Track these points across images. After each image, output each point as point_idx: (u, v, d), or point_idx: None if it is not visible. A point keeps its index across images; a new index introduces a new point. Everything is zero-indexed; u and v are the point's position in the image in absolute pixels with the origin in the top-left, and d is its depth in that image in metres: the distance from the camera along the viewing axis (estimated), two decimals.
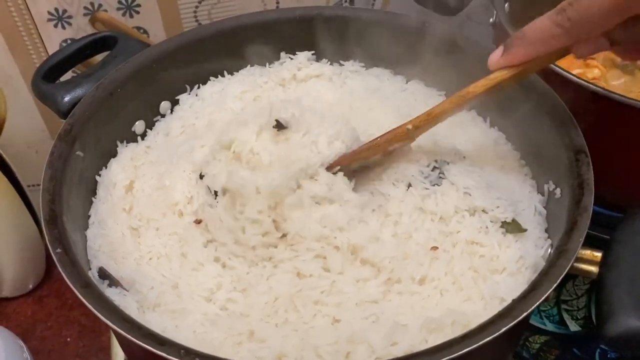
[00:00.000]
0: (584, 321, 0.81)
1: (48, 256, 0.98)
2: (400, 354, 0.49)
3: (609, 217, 0.76)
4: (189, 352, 0.46)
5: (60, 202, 0.60)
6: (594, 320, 0.81)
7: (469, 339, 0.46)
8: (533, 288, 0.50)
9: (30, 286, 0.97)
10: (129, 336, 0.47)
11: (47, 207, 0.58)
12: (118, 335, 0.59)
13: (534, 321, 0.81)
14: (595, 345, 0.79)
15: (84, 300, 0.50)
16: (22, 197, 0.89)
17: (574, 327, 0.81)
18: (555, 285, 0.49)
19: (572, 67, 0.86)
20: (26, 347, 0.83)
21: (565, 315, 0.81)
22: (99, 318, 0.91)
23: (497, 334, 0.46)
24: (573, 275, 0.81)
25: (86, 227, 0.66)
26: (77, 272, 0.53)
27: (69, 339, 0.92)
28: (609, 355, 0.78)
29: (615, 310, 0.50)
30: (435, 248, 0.61)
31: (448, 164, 0.67)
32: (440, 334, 0.54)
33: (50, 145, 1.00)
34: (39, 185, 1.02)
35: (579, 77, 0.70)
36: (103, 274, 0.61)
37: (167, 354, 0.45)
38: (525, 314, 0.47)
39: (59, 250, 0.54)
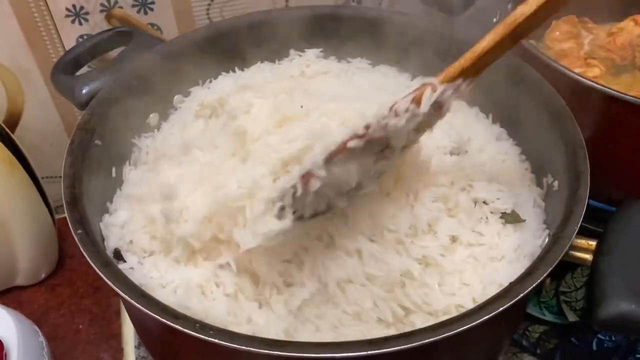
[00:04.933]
0: (582, 312, 0.83)
1: (60, 247, 1.00)
2: None
3: (605, 211, 0.78)
4: (203, 326, 0.48)
5: (80, 187, 0.62)
6: None
7: (468, 317, 0.48)
8: (529, 272, 0.52)
9: (43, 275, 0.99)
10: (146, 311, 0.49)
11: (68, 191, 0.61)
12: (134, 312, 0.62)
13: (533, 311, 0.83)
14: (593, 334, 0.81)
15: (104, 278, 0.52)
16: (37, 188, 0.91)
17: (572, 317, 0.83)
18: (550, 269, 0.52)
19: (573, 66, 0.88)
20: (41, 333, 0.85)
21: (564, 306, 0.83)
22: (109, 307, 0.95)
23: (494, 313, 0.48)
24: (572, 268, 0.84)
25: (102, 213, 0.69)
26: (97, 252, 0.55)
27: (80, 326, 0.94)
28: (605, 345, 0.80)
29: (607, 295, 0.52)
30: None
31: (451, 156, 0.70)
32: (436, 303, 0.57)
33: (64, 138, 1.04)
34: (52, 177, 1.06)
35: (580, 75, 0.72)
36: (117, 254, 0.64)
37: (183, 327, 0.48)
38: (521, 295, 0.49)
39: (80, 231, 0.57)
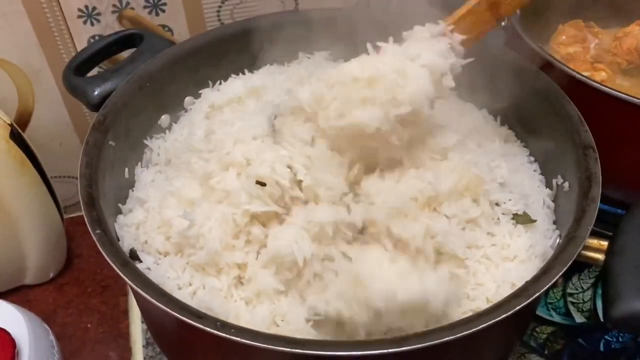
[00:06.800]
0: (589, 313, 0.83)
1: (68, 246, 1.01)
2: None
3: (612, 214, 0.79)
4: (224, 325, 0.49)
5: (96, 187, 0.63)
6: (599, 313, 0.84)
7: (485, 316, 0.49)
8: (545, 271, 0.53)
9: (51, 274, 0.99)
10: (168, 309, 0.49)
11: (85, 191, 0.61)
12: (151, 311, 0.62)
13: (541, 312, 0.84)
14: (600, 336, 0.82)
15: (124, 277, 0.53)
16: (46, 187, 0.91)
17: (579, 318, 0.84)
18: (565, 268, 0.52)
19: (579, 70, 0.89)
20: (51, 331, 0.86)
21: (571, 308, 0.84)
22: (117, 306, 0.96)
23: (511, 311, 0.49)
24: (579, 269, 0.85)
25: (116, 213, 0.70)
26: (116, 252, 0.56)
27: (89, 325, 0.94)
28: (612, 346, 0.81)
29: (621, 294, 0.53)
30: None
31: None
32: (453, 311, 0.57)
33: (74, 138, 1.04)
34: (61, 177, 1.06)
35: (588, 78, 0.73)
36: (133, 255, 0.65)
37: (205, 326, 0.48)
38: (537, 293, 0.50)
39: (98, 231, 0.57)
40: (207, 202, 0.64)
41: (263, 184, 0.62)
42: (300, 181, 0.63)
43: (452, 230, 0.62)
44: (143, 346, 0.88)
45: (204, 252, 0.61)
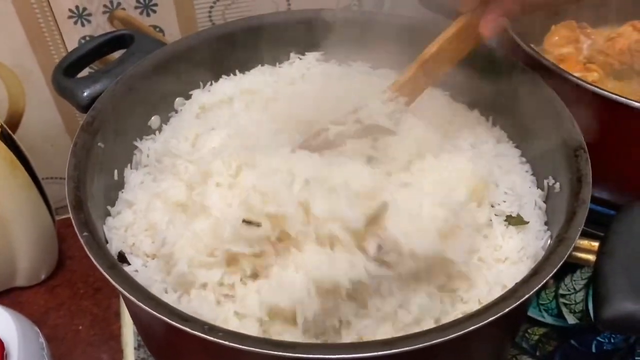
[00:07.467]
0: (581, 314, 0.83)
1: (60, 248, 1.00)
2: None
3: (603, 215, 0.78)
4: (212, 328, 0.48)
5: (84, 189, 0.62)
6: (591, 315, 0.84)
7: (476, 318, 0.49)
8: (535, 273, 0.53)
9: (43, 276, 0.98)
10: (154, 312, 0.49)
11: (72, 193, 0.60)
12: (140, 314, 0.62)
13: (533, 314, 0.84)
14: (592, 337, 0.82)
15: (111, 280, 0.52)
16: (37, 189, 0.90)
17: (571, 320, 0.84)
18: (555, 270, 0.52)
19: (571, 70, 0.89)
20: (41, 334, 0.85)
21: (564, 309, 0.84)
22: (109, 308, 0.95)
23: (501, 313, 0.49)
24: (571, 270, 0.84)
25: (104, 216, 0.69)
26: (103, 254, 0.55)
27: (80, 327, 0.94)
28: (604, 347, 0.81)
29: (611, 295, 0.53)
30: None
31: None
32: (446, 317, 0.57)
33: (65, 139, 1.04)
34: (53, 178, 1.06)
35: (579, 79, 0.73)
36: (121, 257, 0.64)
37: (192, 330, 0.48)
38: (527, 295, 0.50)
39: (85, 233, 0.56)
40: (185, 215, 0.63)
41: (258, 224, 0.54)
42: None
43: None
44: (135, 348, 0.87)
45: (179, 267, 0.59)
